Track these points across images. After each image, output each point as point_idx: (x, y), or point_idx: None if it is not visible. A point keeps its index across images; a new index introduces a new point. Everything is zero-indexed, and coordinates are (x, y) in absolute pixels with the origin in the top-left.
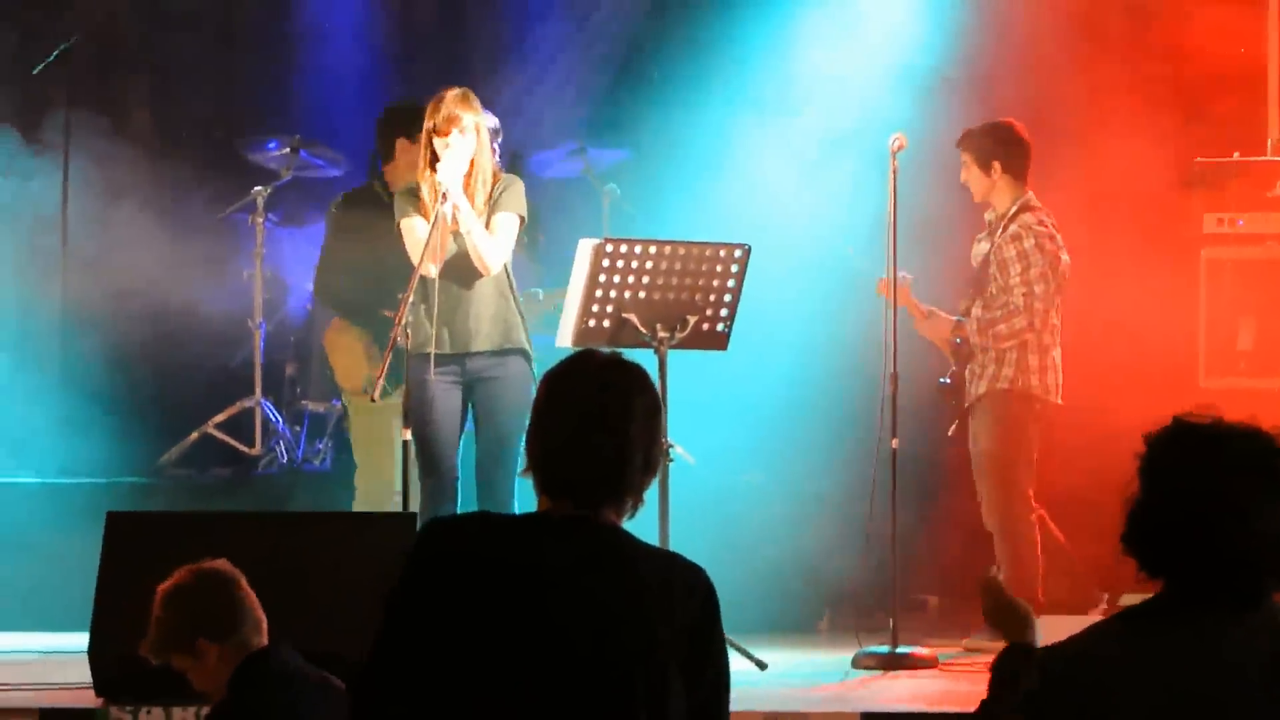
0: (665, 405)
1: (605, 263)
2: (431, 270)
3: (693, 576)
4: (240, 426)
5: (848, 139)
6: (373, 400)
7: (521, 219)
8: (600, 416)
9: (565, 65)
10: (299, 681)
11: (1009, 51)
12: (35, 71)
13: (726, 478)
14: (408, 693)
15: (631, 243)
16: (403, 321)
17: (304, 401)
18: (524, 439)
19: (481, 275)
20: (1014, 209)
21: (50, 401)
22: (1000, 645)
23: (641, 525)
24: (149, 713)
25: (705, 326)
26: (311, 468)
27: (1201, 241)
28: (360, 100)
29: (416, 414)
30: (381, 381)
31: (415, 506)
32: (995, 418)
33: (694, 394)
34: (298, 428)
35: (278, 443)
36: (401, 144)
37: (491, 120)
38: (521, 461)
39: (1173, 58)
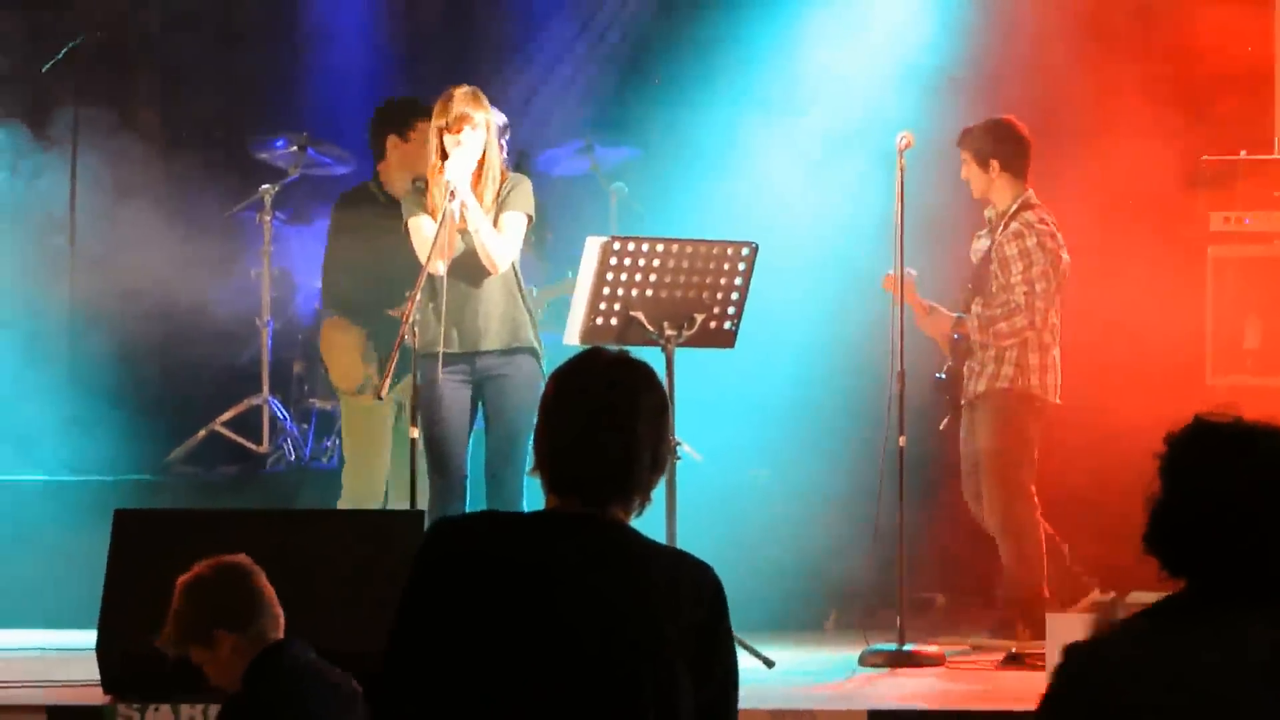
0: (672, 403)
1: (613, 261)
2: (440, 268)
3: (701, 574)
4: (248, 424)
5: (854, 138)
6: (379, 398)
7: (529, 218)
8: (608, 414)
9: (572, 64)
10: (310, 677)
11: (1015, 51)
12: (44, 70)
13: (733, 475)
14: (422, 694)
15: (639, 241)
16: (410, 320)
17: (311, 399)
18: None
19: (489, 274)
20: (1014, 206)
21: (58, 399)
22: (1006, 644)
23: (649, 523)
24: (156, 710)
25: (712, 325)
26: (319, 465)
27: (1208, 240)
28: (367, 98)
29: (425, 413)
30: (389, 380)
31: (421, 503)
32: (996, 417)
33: (701, 392)
34: (305, 425)
35: (285, 440)
36: (393, 141)
37: (500, 117)
38: (530, 460)
39: (1180, 57)
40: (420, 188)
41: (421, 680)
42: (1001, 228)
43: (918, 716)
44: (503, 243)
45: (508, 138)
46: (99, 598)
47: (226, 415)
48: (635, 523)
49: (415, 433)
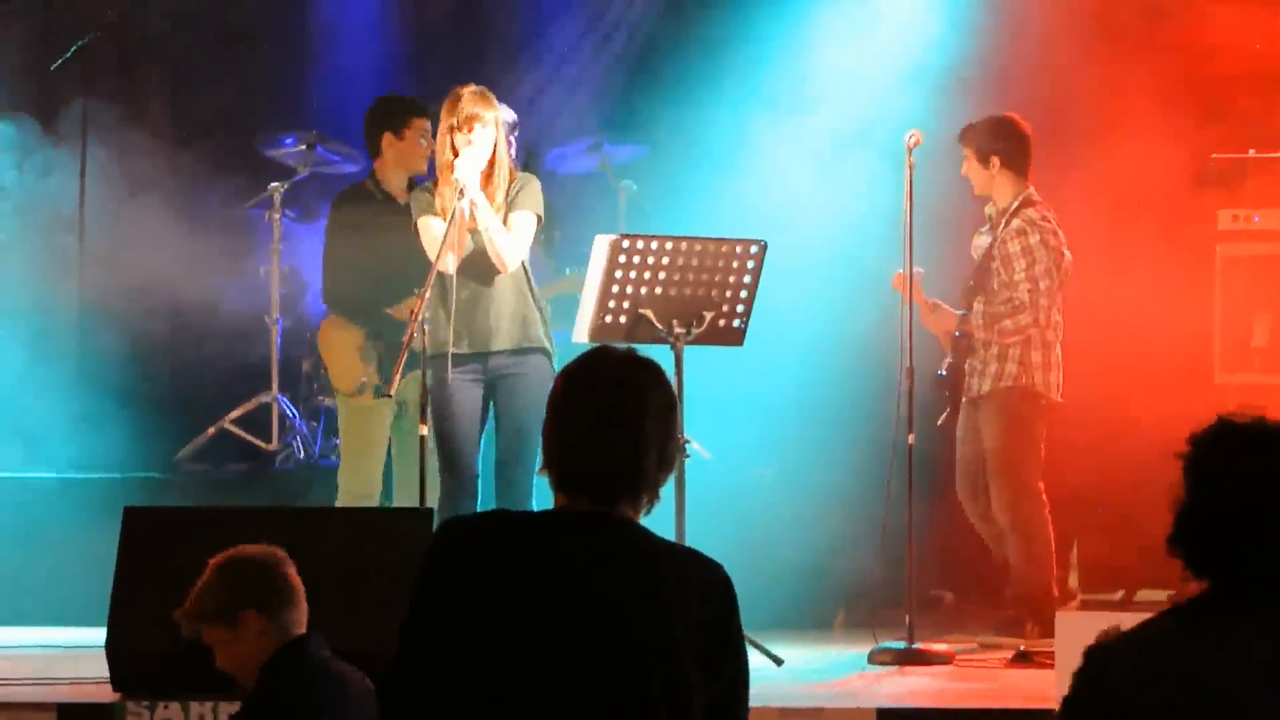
0: (681, 401)
1: (622, 259)
2: (450, 266)
3: (710, 572)
4: (257, 422)
5: (863, 136)
6: (389, 396)
7: (539, 218)
8: (616, 413)
9: (580, 62)
10: (328, 674)
11: (1024, 49)
12: (53, 68)
13: (742, 474)
14: (432, 693)
15: (648, 239)
16: (419, 319)
17: (321, 397)
18: None
19: (499, 273)
20: (1015, 203)
21: (67, 397)
22: (1015, 642)
23: (658, 521)
24: (166, 707)
25: (721, 322)
26: (328, 463)
27: (1217, 238)
28: (376, 96)
29: (436, 412)
30: (398, 378)
31: (429, 501)
32: (1002, 416)
33: (710, 390)
34: (314, 423)
35: (294, 438)
36: (388, 139)
37: (510, 115)
38: (540, 459)
39: (1188, 55)
40: (428, 188)
41: (432, 680)
42: (1003, 225)
43: (926, 715)
44: (512, 242)
45: (516, 135)
46: (108, 595)
47: (236, 413)
48: (644, 521)
49: (425, 431)
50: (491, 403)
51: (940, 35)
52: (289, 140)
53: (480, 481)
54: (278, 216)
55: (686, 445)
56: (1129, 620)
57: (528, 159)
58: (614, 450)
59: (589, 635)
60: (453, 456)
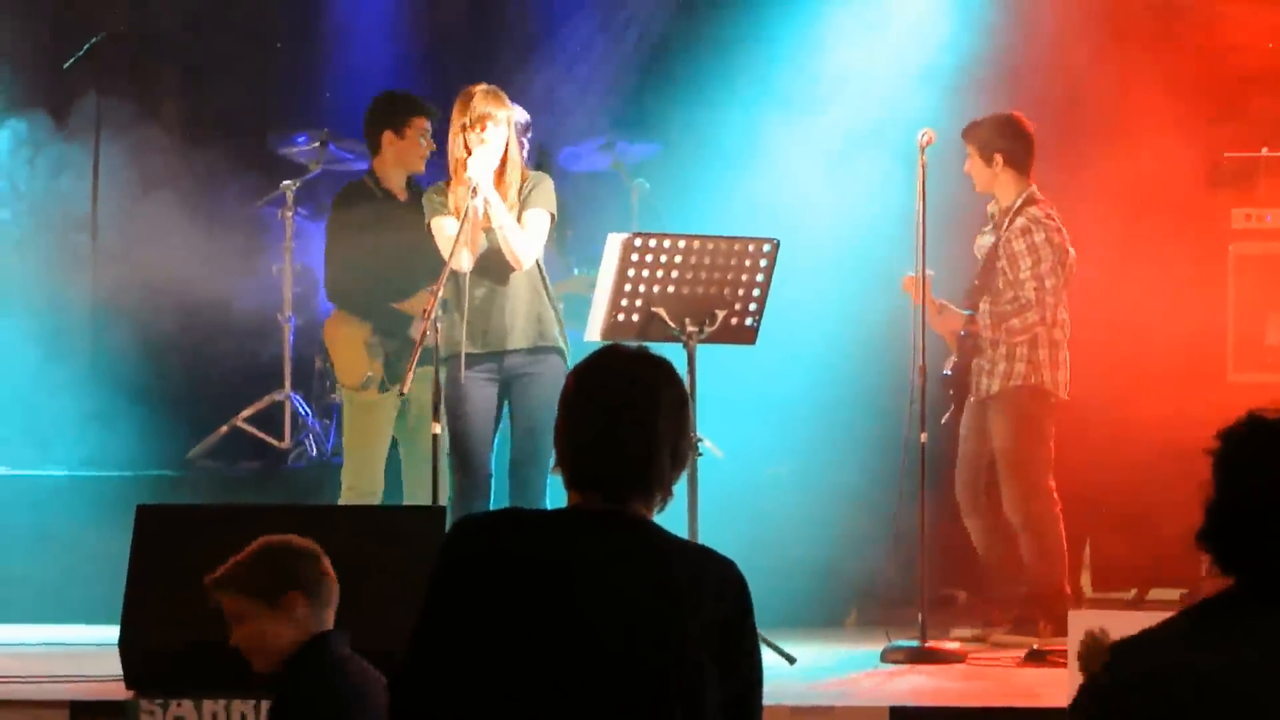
0: (694, 400)
1: (634, 257)
2: (465, 264)
3: (724, 570)
4: (269, 420)
5: (875, 136)
6: (401, 394)
7: (552, 216)
8: (628, 411)
9: (593, 61)
10: (345, 671)
11: (1036, 48)
12: (66, 66)
13: (754, 472)
14: (444, 693)
15: (660, 237)
16: (432, 317)
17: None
18: None
19: (513, 271)
20: (1019, 202)
21: (80, 395)
22: (1028, 641)
23: (671, 519)
24: (179, 705)
25: (734, 321)
26: (341, 461)
27: (1230, 237)
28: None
29: (450, 411)
30: (410, 376)
31: (441, 499)
32: (1012, 415)
33: (722, 389)
34: (327, 421)
35: (307, 436)
36: (388, 137)
37: (522, 115)
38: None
39: (1201, 55)
40: (440, 188)
41: (444, 679)
42: (1006, 223)
43: (939, 714)
44: (527, 239)
45: (530, 135)
46: (121, 593)
47: (248, 411)
48: (657, 519)
49: (438, 429)
50: (506, 402)
51: (952, 35)
52: (301, 138)
53: (494, 480)
54: (290, 214)
55: (699, 444)
56: (1141, 619)
57: (540, 157)
58: (626, 448)
59: (603, 634)
60: (466, 455)
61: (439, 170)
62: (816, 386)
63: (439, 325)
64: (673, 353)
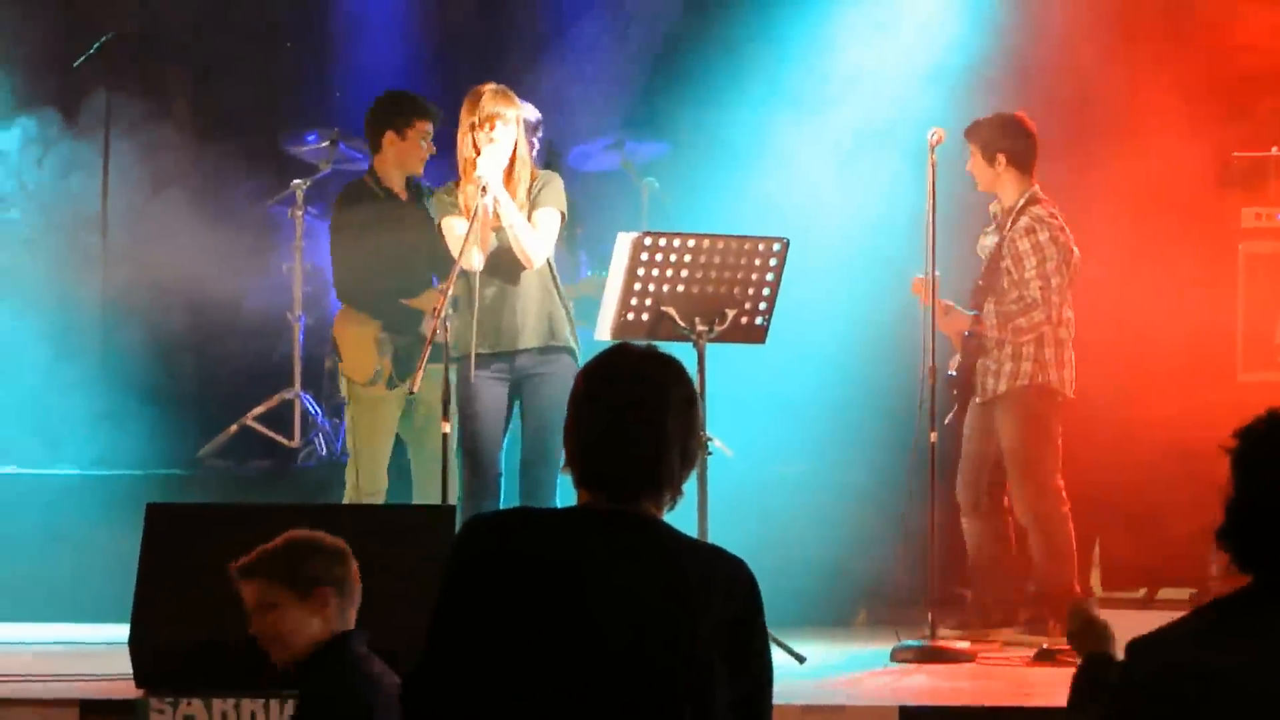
0: (703, 399)
1: (644, 256)
2: (476, 262)
3: (734, 569)
4: (279, 419)
5: (884, 135)
6: (412, 392)
7: (562, 215)
8: (636, 410)
9: (603, 60)
10: (366, 671)
11: (1046, 48)
12: (76, 65)
13: (764, 471)
14: (458, 693)
15: (670, 236)
16: (442, 315)
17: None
18: None
19: (524, 270)
20: (1022, 201)
21: (90, 394)
22: (1038, 640)
23: (680, 518)
24: (189, 704)
25: (744, 320)
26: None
27: (1239, 236)
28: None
29: (461, 410)
30: (420, 375)
31: (451, 498)
32: (1020, 415)
33: (732, 387)
34: (337, 420)
35: (317, 435)
36: (389, 138)
37: (533, 114)
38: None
39: (1211, 54)
40: (449, 188)
41: (455, 679)
42: (1010, 223)
43: (949, 713)
44: (537, 238)
45: (540, 135)
46: (131, 592)
47: (258, 410)
48: (667, 518)
49: (448, 428)
50: (517, 402)
51: (962, 34)
52: (311, 137)
53: (504, 480)
54: (300, 213)
55: (709, 443)
56: (1151, 619)
57: (550, 157)
58: (635, 447)
59: (612, 633)
60: (476, 455)
61: (448, 170)
62: (826, 386)
63: (448, 324)
64: (682, 352)
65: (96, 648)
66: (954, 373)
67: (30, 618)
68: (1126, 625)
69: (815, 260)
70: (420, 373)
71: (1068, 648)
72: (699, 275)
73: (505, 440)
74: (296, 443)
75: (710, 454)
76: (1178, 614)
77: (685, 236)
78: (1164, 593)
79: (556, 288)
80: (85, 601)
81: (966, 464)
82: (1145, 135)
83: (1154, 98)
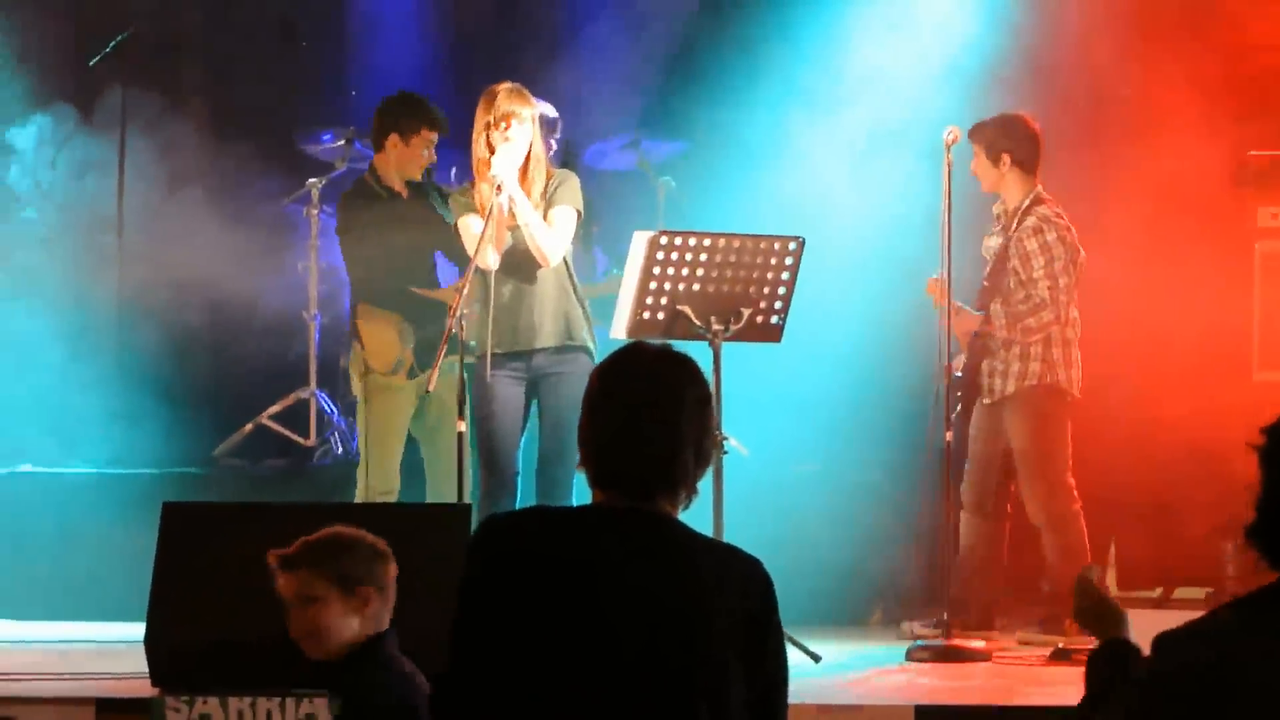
0: (719, 398)
1: (660, 255)
2: (491, 261)
3: (750, 568)
4: (295, 418)
5: (899, 134)
6: (427, 391)
7: (579, 213)
8: (651, 409)
9: (618, 59)
10: (403, 670)
11: (1062, 47)
12: (91, 64)
13: (780, 470)
14: (479, 694)
15: (686, 235)
16: (458, 313)
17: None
18: None
19: (541, 269)
20: (1027, 202)
21: (106, 393)
22: (1053, 639)
23: (696, 517)
24: (205, 702)
25: (759, 319)
26: None
27: (1256, 235)
28: (394, 91)
29: (478, 410)
30: (436, 374)
31: (466, 496)
32: (1030, 415)
33: (748, 387)
34: (352, 419)
35: (332, 434)
36: (393, 140)
37: (551, 113)
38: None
39: (1227, 53)
40: (465, 189)
41: (478, 680)
42: (1015, 224)
43: (964, 712)
44: (553, 236)
45: (558, 135)
46: (147, 591)
47: (274, 409)
48: (682, 517)
49: (463, 426)
50: (533, 401)
51: (977, 33)
52: (327, 136)
53: (520, 479)
54: (316, 212)
55: (724, 442)
56: (1168, 618)
57: (566, 156)
58: (649, 446)
59: (628, 632)
60: (493, 454)
61: (463, 171)
62: (841, 385)
63: (464, 323)
64: (698, 351)
65: (112, 646)
66: (959, 374)
67: (46, 616)
68: (1143, 624)
69: (830, 259)
70: (435, 372)
71: (1083, 646)
72: (715, 274)
73: (523, 439)
74: (312, 441)
75: (726, 453)
76: (1194, 613)
77: (701, 235)
78: (1180, 592)
79: (573, 287)
80: (101, 600)
81: (973, 464)
82: (1161, 134)
83: (1170, 97)
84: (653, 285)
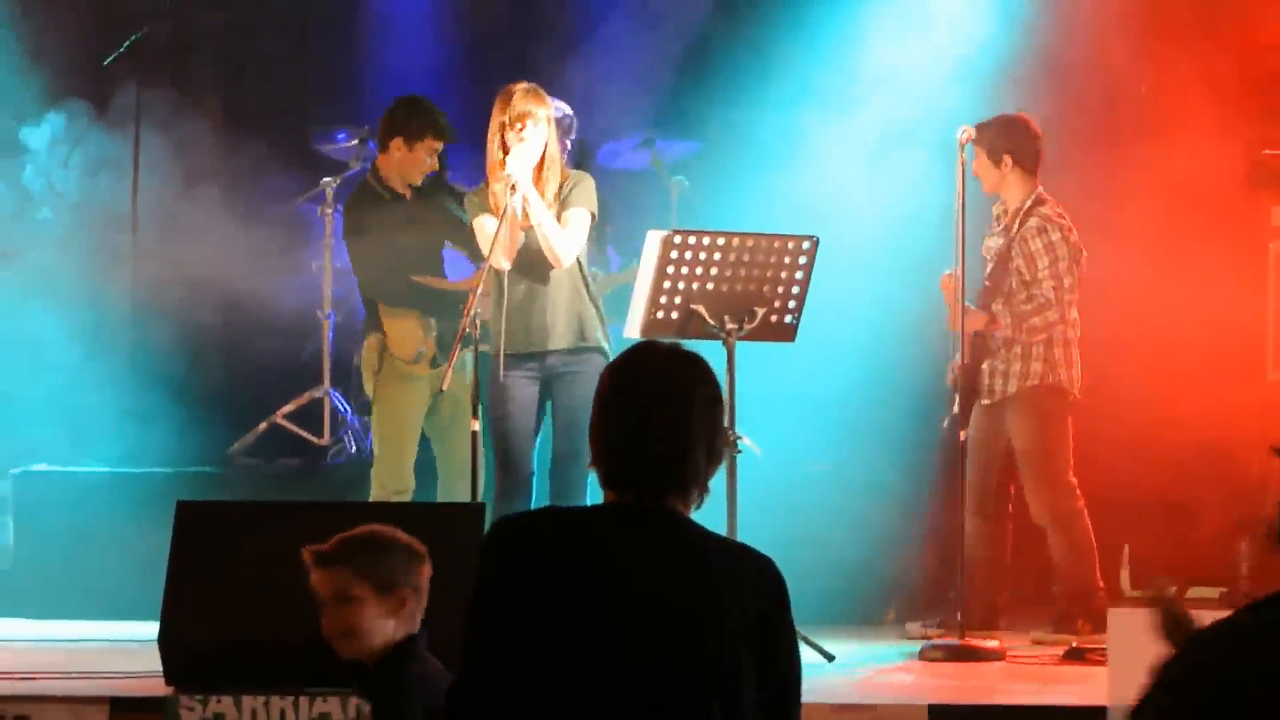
0: (733, 397)
1: (674, 254)
2: (503, 263)
3: (762, 567)
4: (309, 416)
5: (912, 133)
6: (440, 391)
7: (593, 216)
8: (662, 408)
9: (632, 58)
10: (434, 671)
11: (1076, 47)
12: (106, 63)
13: (793, 469)
14: (494, 695)
15: (700, 234)
16: (472, 313)
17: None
18: None
19: (554, 270)
20: (1028, 202)
21: (119, 391)
22: (1066, 639)
23: (709, 516)
24: (219, 701)
25: (773, 318)
26: None
27: (1270, 235)
28: (429, 92)
29: (492, 410)
30: (450, 374)
31: (478, 496)
32: (1033, 415)
33: (762, 385)
34: (366, 418)
35: (346, 433)
36: (398, 143)
37: (567, 112)
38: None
39: (1241, 53)
40: (480, 190)
41: (492, 682)
42: (1018, 224)
43: (978, 712)
44: (566, 237)
45: (574, 136)
46: (161, 589)
47: (288, 408)
48: (696, 516)
49: (477, 425)
50: (548, 401)
51: (991, 33)
52: (342, 135)
53: (535, 478)
54: (330, 211)
55: (738, 441)
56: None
57: (580, 155)
58: (661, 445)
59: (640, 631)
60: (508, 454)
61: (478, 171)
62: (854, 384)
63: (478, 323)
64: (712, 350)
65: (126, 645)
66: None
67: (60, 615)
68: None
69: (843, 259)
70: (450, 371)
71: (1097, 646)
72: (729, 273)
73: (537, 439)
74: (326, 440)
75: (739, 452)
76: (1207, 613)
77: (715, 235)
78: (1193, 591)
79: (587, 288)
80: (115, 599)
81: (972, 466)
82: (1175, 134)
83: (1184, 97)
84: (666, 284)
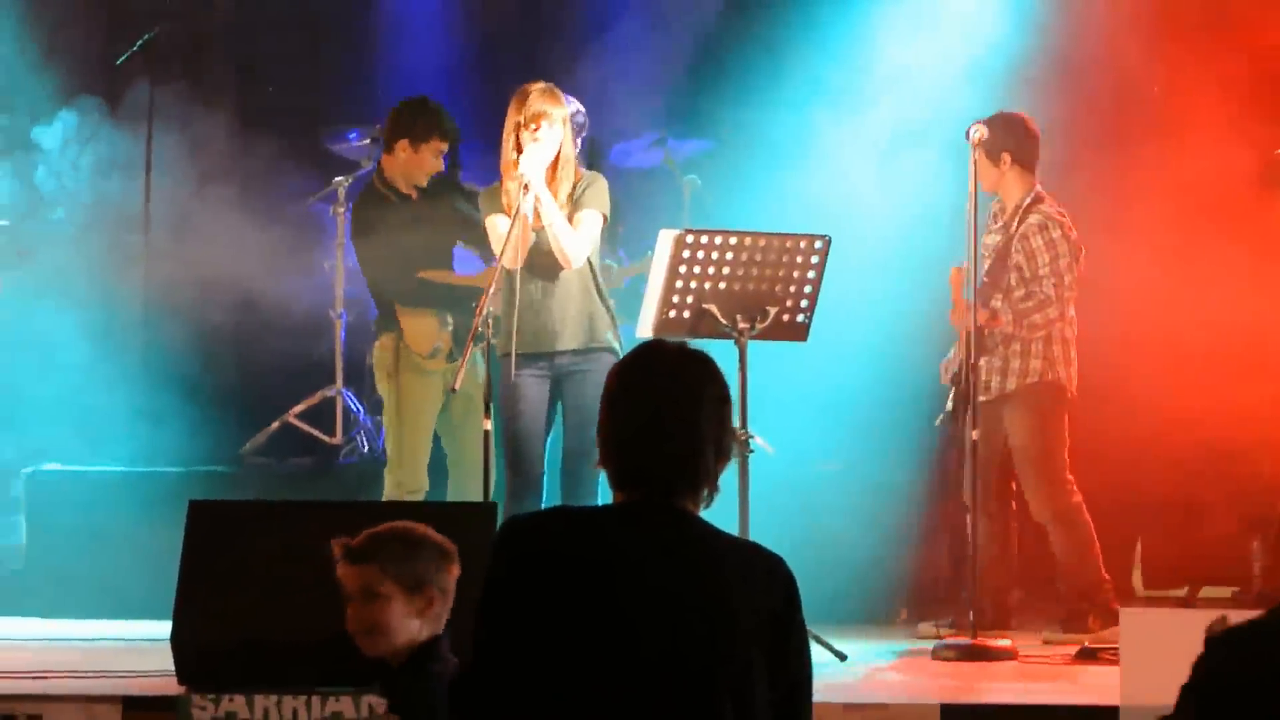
0: (745, 396)
1: (686, 253)
2: (514, 263)
3: (772, 565)
4: (321, 416)
5: (924, 132)
6: (453, 390)
7: (605, 217)
8: (670, 407)
9: (644, 58)
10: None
11: (1088, 47)
12: (119, 62)
13: (805, 468)
14: (501, 695)
15: (712, 233)
16: (484, 312)
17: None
18: None
19: (564, 270)
20: (1027, 200)
21: (131, 391)
22: (1077, 638)
23: (720, 515)
24: (231, 700)
25: (785, 317)
26: None
27: None
28: (441, 91)
29: (503, 410)
30: (462, 374)
31: (489, 496)
32: (1032, 412)
33: (773, 385)
34: (378, 417)
35: (358, 432)
36: (403, 145)
37: (579, 110)
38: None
39: (1254, 53)
40: (494, 189)
41: (500, 681)
42: (1017, 221)
43: (990, 711)
44: (577, 238)
45: (585, 135)
46: (173, 589)
47: (300, 407)
48: (707, 515)
49: (488, 425)
50: (558, 401)
51: (1003, 32)
52: (354, 135)
53: (546, 477)
54: (342, 211)
55: (750, 440)
56: (1194, 618)
57: (592, 154)
58: (670, 444)
59: (651, 630)
60: (519, 454)
61: (492, 170)
62: (865, 383)
63: (489, 321)
64: (724, 349)
65: (139, 644)
66: (956, 370)
67: (72, 614)
68: (1169, 624)
69: (854, 258)
70: (462, 371)
71: (1109, 645)
72: (740, 272)
73: (548, 439)
74: (338, 440)
75: (752, 452)
76: (1220, 612)
77: (727, 234)
78: (1206, 591)
79: (598, 288)
80: (127, 598)
81: (977, 462)
82: (1187, 134)
83: (1196, 97)
84: (679, 284)
